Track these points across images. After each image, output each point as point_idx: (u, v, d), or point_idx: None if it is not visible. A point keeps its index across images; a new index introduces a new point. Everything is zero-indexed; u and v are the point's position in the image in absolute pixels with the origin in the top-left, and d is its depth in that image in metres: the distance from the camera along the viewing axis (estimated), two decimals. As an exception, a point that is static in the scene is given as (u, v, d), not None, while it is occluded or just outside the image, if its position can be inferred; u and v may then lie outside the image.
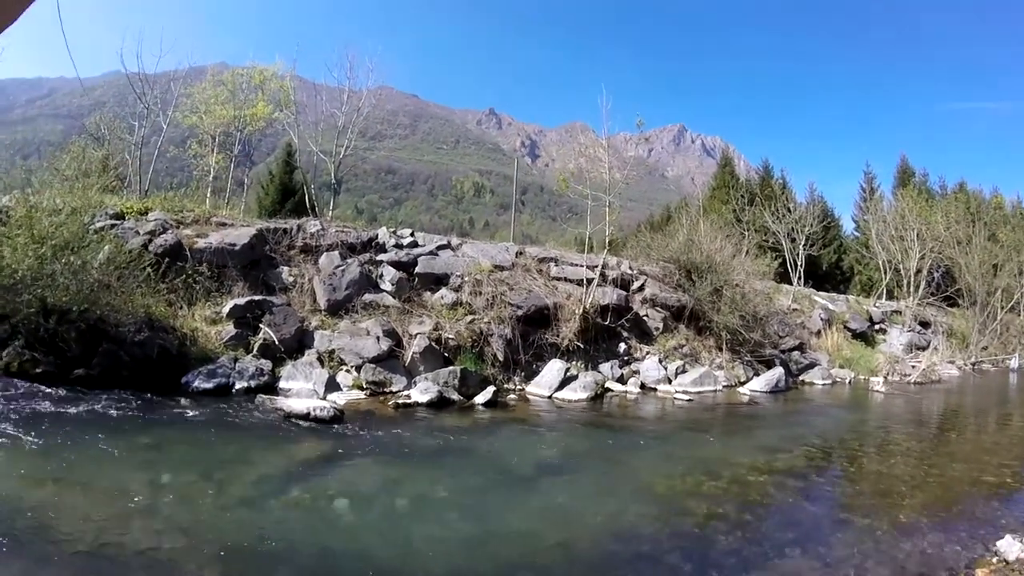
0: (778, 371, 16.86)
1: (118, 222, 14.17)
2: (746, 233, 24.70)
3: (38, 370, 10.21)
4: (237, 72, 24.89)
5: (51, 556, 4.83)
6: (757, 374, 16.99)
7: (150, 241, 13.63)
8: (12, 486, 6.08)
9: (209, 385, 11.04)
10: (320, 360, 12.61)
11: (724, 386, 16.05)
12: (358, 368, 12.39)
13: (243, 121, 23.49)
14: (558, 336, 14.81)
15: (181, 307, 12.86)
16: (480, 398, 12.13)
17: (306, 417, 9.69)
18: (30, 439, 7.51)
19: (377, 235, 16.36)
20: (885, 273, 31.09)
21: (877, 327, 25.27)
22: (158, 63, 24.30)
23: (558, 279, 16.65)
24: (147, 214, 15.08)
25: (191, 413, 9.57)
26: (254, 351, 12.43)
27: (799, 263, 27.09)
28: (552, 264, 17.26)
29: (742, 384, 16.49)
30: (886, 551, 6.01)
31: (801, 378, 18.47)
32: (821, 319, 23.16)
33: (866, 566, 5.56)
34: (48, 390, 9.68)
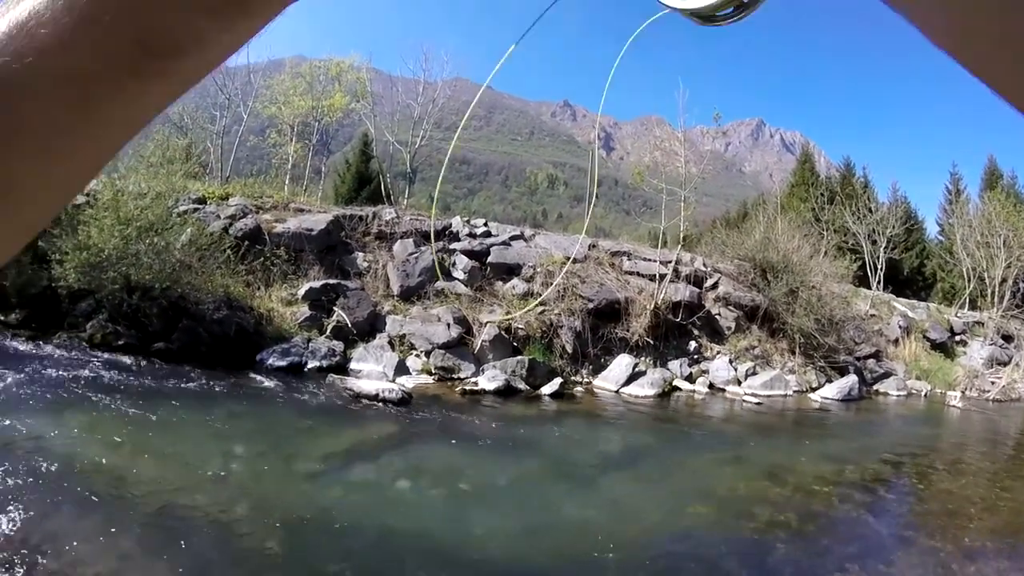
0: (851, 379, 16.27)
1: (200, 206, 14.72)
2: (825, 233, 23.93)
3: (120, 342, 10.72)
4: (315, 64, 25.51)
5: (125, 516, 5.05)
6: (830, 380, 16.43)
7: (230, 225, 14.11)
8: (92, 450, 6.34)
9: (283, 363, 11.35)
10: (391, 344, 12.81)
11: (795, 391, 15.55)
12: (427, 353, 12.54)
13: (321, 111, 24.05)
14: (628, 331, 14.68)
15: (259, 288, 13.25)
16: (547, 389, 12.13)
17: (375, 398, 9.87)
18: (110, 406, 7.87)
19: (451, 224, 16.53)
20: (969, 281, 29.55)
21: (957, 338, 24.01)
22: (239, 56, 25.06)
23: (630, 273, 16.50)
24: (228, 199, 15.62)
25: (264, 389, 9.92)
26: (327, 332, 12.72)
27: (879, 267, 26.09)
28: (625, 258, 17.10)
29: (813, 390, 15.97)
30: (948, 574, 5.77)
31: (875, 388, 17.73)
32: (899, 327, 22.19)
33: None
34: (128, 361, 10.15)
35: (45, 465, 5.62)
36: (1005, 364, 22.69)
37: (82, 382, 8.65)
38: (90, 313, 11.17)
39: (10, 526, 4.53)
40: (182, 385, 9.40)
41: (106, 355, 10.27)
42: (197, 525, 5.07)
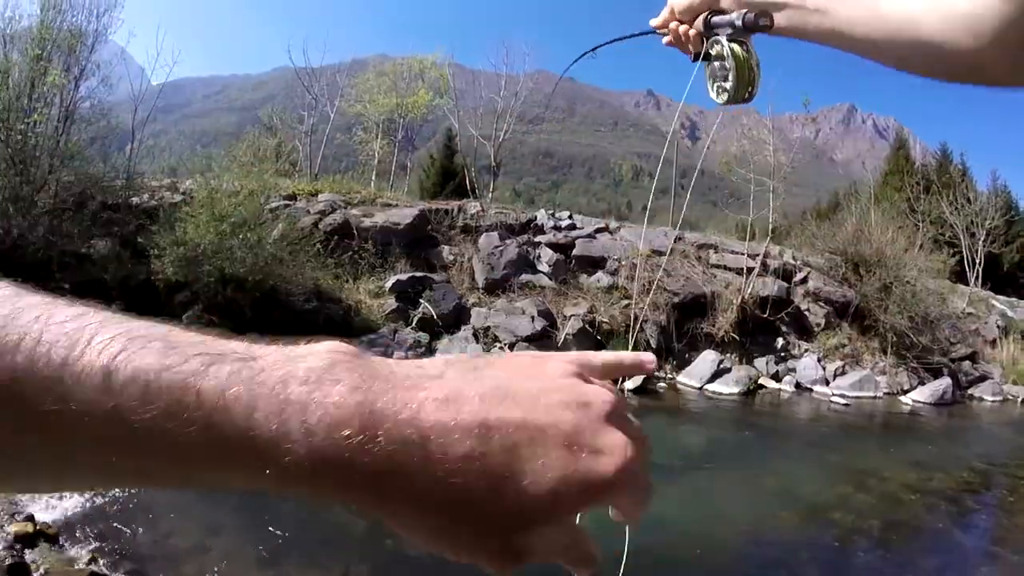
0: (945, 382, 15.51)
1: (290, 202, 15.33)
2: (920, 225, 22.96)
3: (215, 331, 11.30)
4: (398, 63, 26.05)
5: (211, 489, 5.33)
6: (922, 383, 15.71)
7: (320, 220, 14.67)
8: None
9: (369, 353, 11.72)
10: (475, 336, 13.08)
11: (885, 393, 14.97)
12: (511, 346, 12.75)
13: (405, 108, 24.54)
14: (713, 326, 14.51)
15: (347, 281, 13.73)
16: (629, 384, 12.10)
17: (459, 391, 10.08)
18: None
19: (535, 217, 16.67)
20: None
21: (1059, 340, 22.63)
22: (323, 57, 26.01)
23: (717, 267, 16.26)
24: (317, 195, 16.19)
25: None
26: (413, 324, 13.09)
27: (978, 261, 24.84)
28: (711, 251, 16.85)
29: (904, 392, 15.32)
30: None
31: (969, 392, 16.75)
32: (997, 326, 20.96)
33: None
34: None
35: None
36: (1111, 369, 21.29)
37: None
38: (187, 304, 11.85)
39: (102, 501, 4.93)
40: None
41: None
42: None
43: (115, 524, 4.62)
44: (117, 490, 5.02)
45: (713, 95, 1.13)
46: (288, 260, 12.37)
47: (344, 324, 12.45)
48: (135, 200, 14.47)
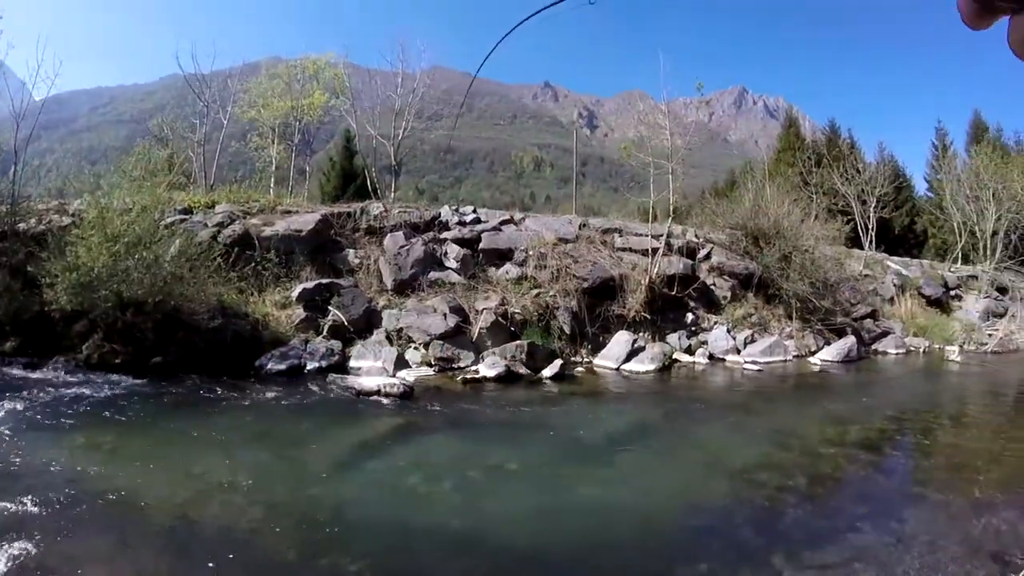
0: (850, 340, 16.33)
1: (187, 216, 14.69)
2: (814, 196, 23.91)
3: (117, 360, 10.72)
4: (291, 64, 25.34)
5: (137, 533, 5.02)
6: (828, 343, 16.47)
7: (219, 232, 14.07)
8: (98, 469, 6.32)
9: (282, 367, 11.33)
10: (388, 339, 12.79)
11: (794, 356, 15.60)
12: (426, 345, 12.53)
13: (301, 111, 23.90)
14: (624, 308, 14.66)
15: (252, 294, 13.23)
16: (548, 371, 12.13)
17: (377, 394, 9.86)
18: (112, 426, 7.84)
19: (440, 214, 16.45)
20: (960, 236, 29.54)
21: (952, 293, 24.03)
22: (213, 62, 25.00)
23: (623, 250, 16.45)
24: (214, 207, 15.56)
25: (266, 394, 9.87)
26: (324, 333, 12.70)
27: (870, 227, 26.11)
28: (616, 235, 17.05)
29: (813, 354, 16.04)
30: (960, 528, 5.80)
31: (874, 347, 17.75)
32: (894, 285, 22.21)
33: (939, 543, 5.36)
34: (127, 379, 10.13)
35: (52, 490, 5.57)
36: (1001, 316, 22.82)
37: (82, 404, 8.61)
38: (85, 334, 11.14)
39: (23, 554, 4.49)
40: (182, 397, 9.38)
41: (104, 375, 10.26)
42: (210, 536, 5.04)
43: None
44: (39, 542, 4.63)
45: None
46: (188, 277, 11.74)
47: (253, 339, 11.99)
48: (22, 226, 13.49)
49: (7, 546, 4.53)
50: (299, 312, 12.94)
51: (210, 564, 4.58)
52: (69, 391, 9.17)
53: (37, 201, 15.52)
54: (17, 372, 10.18)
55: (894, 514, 6.09)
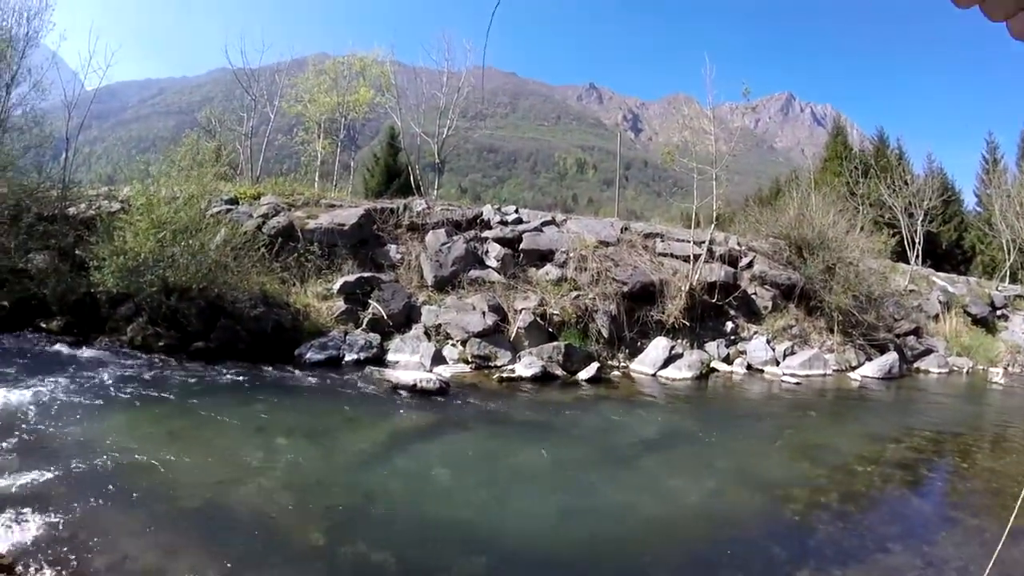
0: (891, 356, 15.95)
1: (233, 207, 15.02)
2: (860, 207, 23.44)
3: (160, 343, 11.04)
4: (338, 61, 25.61)
5: (169, 511, 5.16)
6: (869, 359, 16.13)
7: (263, 223, 14.35)
8: (136, 447, 6.48)
9: (320, 357, 11.50)
10: (427, 334, 12.91)
11: (834, 370, 15.31)
12: (464, 342, 12.62)
13: (346, 107, 24.18)
14: (663, 313, 14.58)
15: (294, 284, 13.46)
16: (584, 374, 12.13)
17: (413, 388, 9.95)
18: (153, 406, 8.06)
19: (482, 212, 16.54)
20: (1009, 253, 28.68)
21: (999, 312, 23.29)
22: (262, 57, 25.37)
23: (664, 255, 16.37)
24: (260, 198, 15.88)
25: (304, 383, 10.06)
26: (363, 325, 12.88)
27: (917, 241, 25.49)
28: (658, 240, 16.98)
29: (853, 369, 15.71)
30: (992, 554, 5.67)
31: (916, 365, 17.32)
32: (939, 302, 21.66)
33: (970, 569, 5.23)
34: (170, 361, 10.43)
35: (91, 466, 5.78)
36: (1049, 338, 22.13)
37: (124, 383, 8.84)
38: (130, 316, 11.50)
39: (57, 523, 4.67)
40: (222, 382, 9.59)
41: (147, 356, 10.55)
42: (241, 517, 5.18)
43: (71, 550, 4.38)
44: (73, 514, 4.83)
45: None
46: (232, 266, 12.04)
47: (293, 329, 12.21)
48: (72, 210, 13.94)
49: (42, 516, 4.71)
50: (340, 304, 13.13)
51: (238, 543, 4.72)
52: (112, 370, 9.43)
53: (87, 187, 15.98)
54: (64, 350, 10.45)
55: (926, 536, 6.00)
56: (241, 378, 9.87)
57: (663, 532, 5.70)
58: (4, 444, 6.11)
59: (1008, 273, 28.48)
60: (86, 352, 10.47)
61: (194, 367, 10.21)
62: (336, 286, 13.49)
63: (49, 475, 5.46)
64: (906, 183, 27.26)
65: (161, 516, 5.05)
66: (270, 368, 10.63)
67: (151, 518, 5.00)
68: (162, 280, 11.19)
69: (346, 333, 12.47)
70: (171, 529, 4.90)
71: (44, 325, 11.53)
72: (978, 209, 38.45)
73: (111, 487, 5.39)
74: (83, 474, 5.59)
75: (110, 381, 8.86)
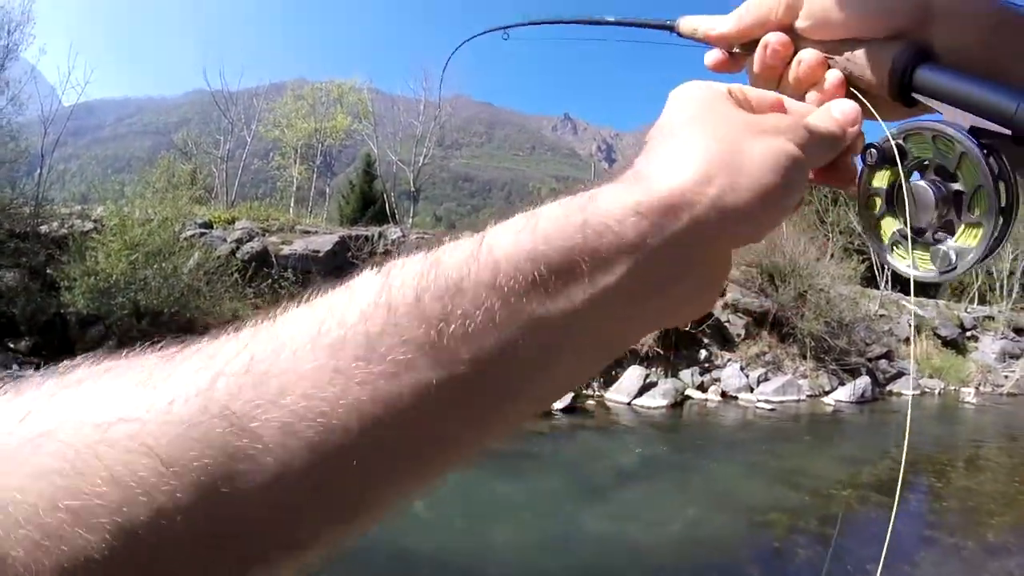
0: (864, 380, 16.16)
1: (207, 231, 14.84)
2: (830, 235, 23.83)
3: None
4: (316, 87, 25.69)
5: None
6: (842, 383, 16.29)
7: (237, 248, 14.21)
8: None
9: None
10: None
11: (807, 395, 15.41)
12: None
13: (323, 133, 24.20)
14: (638, 341, 14.58)
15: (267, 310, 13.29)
16: (558, 404, 12.05)
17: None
18: None
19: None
20: (976, 276, 29.27)
21: (968, 334, 23.71)
22: (240, 80, 25.33)
23: (637, 284, 16.37)
24: (234, 223, 15.73)
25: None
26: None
27: (886, 266, 25.83)
28: (631, 268, 16.96)
29: (826, 394, 15.84)
30: (972, 572, 5.75)
31: (888, 388, 17.51)
32: (909, 325, 22.01)
33: None
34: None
35: None
36: (1017, 358, 22.50)
37: None
38: (100, 339, 11.24)
39: None
40: None
41: None
42: None
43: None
44: None
45: (893, 256, 0.50)
46: (205, 291, 11.91)
47: (266, 356, 12.02)
48: (44, 228, 13.65)
49: None
50: (313, 333, 12.99)
51: None
52: None
53: (60, 205, 15.76)
54: (29, 372, 10.20)
55: (905, 557, 6.04)
56: None
57: (643, 561, 5.69)
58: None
59: (976, 295, 28.99)
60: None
61: None
62: (310, 314, 13.36)
63: None
64: (875, 210, 27.66)
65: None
66: None
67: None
68: (134, 303, 11.03)
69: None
70: None
71: (12, 345, 11.25)
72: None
73: None
74: None
75: None
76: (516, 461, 8.79)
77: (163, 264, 11.43)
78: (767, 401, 14.44)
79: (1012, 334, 24.35)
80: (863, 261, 23.89)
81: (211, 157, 25.21)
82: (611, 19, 0.74)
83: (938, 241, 0.46)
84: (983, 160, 0.42)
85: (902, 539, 6.76)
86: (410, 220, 20.97)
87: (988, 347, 23.03)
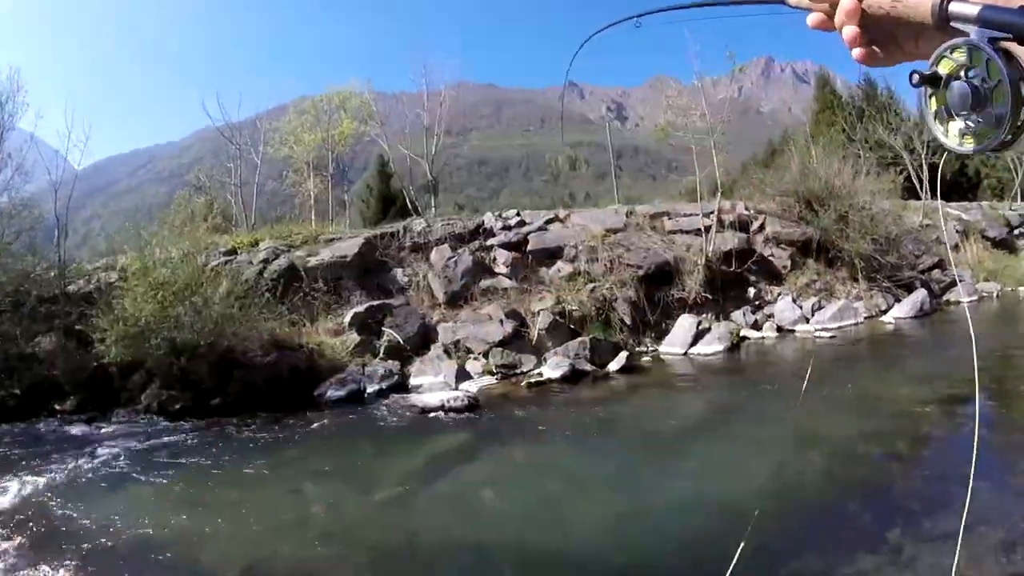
0: (920, 294, 15.71)
1: (231, 257, 14.83)
2: (861, 152, 23.06)
3: (177, 407, 10.68)
4: (317, 100, 25.56)
5: None
6: (898, 300, 15.84)
7: (264, 268, 14.15)
8: (160, 521, 6.11)
9: (342, 393, 11.17)
10: (447, 352, 12.61)
11: (865, 317, 15.04)
12: (485, 354, 12.33)
13: (332, 142, 24.05)
14: (684, 290, 14.24)
15: (304, 324, 13.22)
16: (613, 365, 11.84)
17: (441, 409, 9.67)
18: (177, 473, 7.70)
19: (483, 221, 16.22)
20: (1016, 172, 28.20)
21: (1016, 232, 22.99)
22: (239, 109, 25.34)
23: (674, 232, 16.06)
24: (258, 244, 15.68)
25: (328, 423, 9.75)
26: (380, 354, 12.58)
27: (923, 175, 24.97)
28: (665, 218, 16.66)
29: (884, 312, 15.46)
30: None
31: (945, 298, 17.05)
32: (956, 231, 21.33)
33: None
34: (189, 424, 10.06)
35: (113, 547, 5.47)
36: (1072, 248, 21.78)
37: (143, 456, 8.55)
38: (143, 384, 11.27)
39: None
40: (244, 436, 9.28)
41: (165, 422, 10.25)
42: None
43: None
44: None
45: (948, 137, 0.69)
46: (239, 316, 11.78)
47: (309, 369, 11.92)
48: (72, 288, 13.76)
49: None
50: (353, 337, 12.86)
51: None
52: (130, 443, 9.18)
53: (85, 262, 15.87)
54: (80, 429, 10.20)
55: (1009, 469, 5.70)
56: (263, 429, 9.57)
57: (731, 519, 5.15)
58: (17, 539, 5.78)
59: (1019, 192, 27.92)
60: (103, 428, 10.26)
61: (213, 425, 9.94)
62: (347, 319, 13.24)
63: (66, 565, 5.13)
64: (902, 120, 26.80)
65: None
66: (291, 413, 10.30)
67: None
68: (169, 342, 10.96)
69: (364, 365, 12.17)
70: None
71: (58, 407, 11.32)
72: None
73: (137, 565, 5.10)
74: (103, 558, 5.26)
75: (127, 455, 8.57)
76: (581, 432, 8.54)
77: (192, 299, 11.35)
78: (825, 329, 14.05)
79: (1062, 226, 23.51)
80: (901, 172, 23.10)
81: (226, 187, 25.30)
82: (727, 1, 0.95)
83: (970, 126, 0.65)
84: (997, 57, 0.60)
85: (1001, 450, 6.37)
86: (433, 211, 20.72)
87: (1039, 243, 22.35)
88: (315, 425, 9.74)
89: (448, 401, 9.78)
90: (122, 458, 8.48)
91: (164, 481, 7.52)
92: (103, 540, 5.60)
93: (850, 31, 0.72)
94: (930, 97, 0.68)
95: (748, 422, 8.56)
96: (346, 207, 26.33)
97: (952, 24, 0.63)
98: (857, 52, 0.73)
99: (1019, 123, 0.60)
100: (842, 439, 7.18)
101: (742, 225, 16.47)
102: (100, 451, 8.84)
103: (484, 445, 8.37)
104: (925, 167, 25.15)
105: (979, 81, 0.62)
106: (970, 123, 0.65)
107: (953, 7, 0.62)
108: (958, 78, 0.64)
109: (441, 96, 23.39)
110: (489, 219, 16.31)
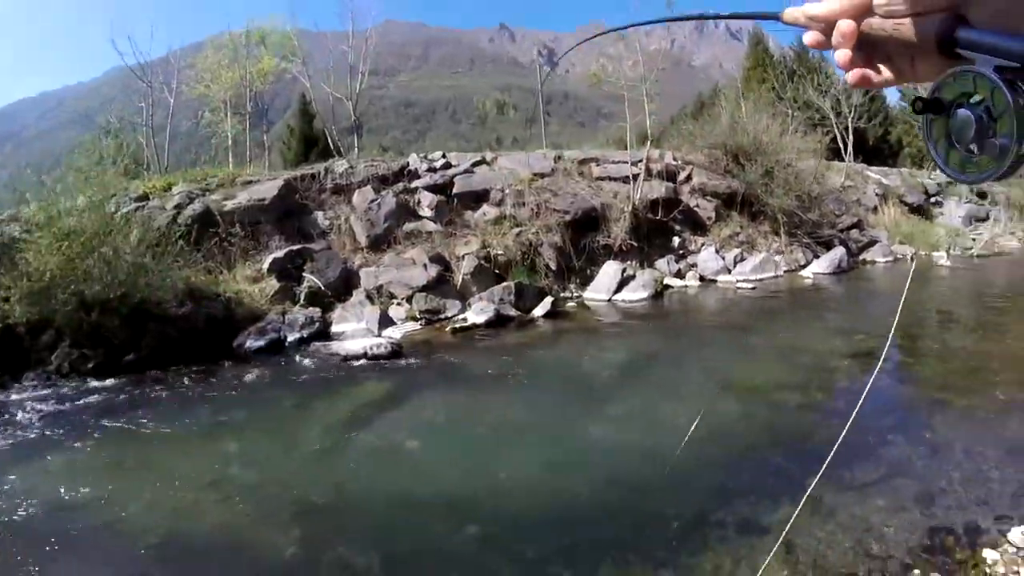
0: (839, 251, 16.27)
1: (143, 203, 13.86)
2: (790, 111, 23.46)
3: (89, 365, 9.84)
4: (235, 35, 24.17)
5: (124, 551, 4.47)
6: (817, 256, 16.34)
7: (178, 214, 13.31)
8: (76, 486, 5.60)
9: (262, 343, 10.67)
10: (369, 298, 12.22)
11: (785, 271, 15.49)
12: (409, 299, 12.00)
13: (251, 80, 22.83)
14: (609, 237, 14.21)
15: (221, 272, 12.58)
16: (539, 310, 11.72)
17: (364, 357, 9.34)
18: (92, 435, 7.10)
19: (408, 163, 15.71)
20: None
21: (933, 200, 24.05)
22: (151, 44, 23.76)
23: (602, 179, 15.96)
24: (171, 189, 14.73)
25: (247, 375, 9.22)
26: (301, 301, 12.11)
27: (848, 138, 25.63)
28: (594, 164, 16.53)
29: (803, 267, 15.93)
30: (992, 432, 5.55)
31: (862, 257, 17.74)
32: (876, 195, 22.16)
33: (975, 450, 5.10)
34: (101, 383, 9.30)
35: (26, 516, 4.95)
36: (983, 220, 22.90)
37: (58, 417, 7.82)
38: (53, 344, 10.35)
39: None
40: (160, 393, 8.62)
41: (77, 383, 9.39)
42: (204, 541, 4.54)
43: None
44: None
45: (948, 165, 0.66)
46: (151, 265, 11.00)
47: (227, 319, 11.34)
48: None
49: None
50: (272, 283, 12.30)
51: (206, 572, 4.17)
52: (41, 407, 8.35)
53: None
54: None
55: (922, 423, 5.88)
56: (180, 384, 8.96)
57: (656, 463, 5.17)
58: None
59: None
60: (12, 395, 9.37)
61: (128, 383, 9.19)
62: (265, 265, 12.64)
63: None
64: (832, 82, 27.33)
65: (116, 558, 4.40)
66: (210, 366, 9.72)
67: (104, 562, 4.38)
68: (77, 296, 10.13)
69: (284, 313, 11.65)
70: (129, 570, 4.26)
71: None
72: (902, 104, 38.98)
73: (52, 536, 4.60)
74: (17, 530, 4.75)
75: (39, 420, 7.78)
76: (507, 378, 8.38)
77: (102, 249, 10.52)
78: (746, 280, 14.39)
79: (975, 198, 24.68)
80: (827, 133, 23.63)
81: (138, 129, 23.74)
82: (725, 14, 0.94)
83: (972, 154, 0.61)
84: (1003, 87, 0.56)
85: (913, 404, 6.66)
86: (356, 153, 19.97)
87: (954, 212, 23.51)
88: (233, 377, 9.17)
89: (371, 348, 9.45)
90: (33, 424, 7.70)
91: (78, 444, 6.85)
92: (15, 512, 5.04)
93: (843, 55, 0.69)
94: (931, 123, 0.66)
95: (669, 368, 8.60)
96: (266, 149, 25.14)
97: (958, 50, 0.61)
98: (851, 76, 0.71)
99: (1022, 153, 0.57)
100: (760, 386, 7.28)
101: (670, 175, 16.51)
102: (8, 418, 8.09)
103: (409, 393, 8.09)
104: (851, 130, 25.85)
105: (983, 110, 0.60)
106: (972, 151, 0.62)
107: (961, 33, 0.60)
108: (961, 105, 0.62)
109: (367, 33, 22.47)
110: (414, 161, 15.81)
